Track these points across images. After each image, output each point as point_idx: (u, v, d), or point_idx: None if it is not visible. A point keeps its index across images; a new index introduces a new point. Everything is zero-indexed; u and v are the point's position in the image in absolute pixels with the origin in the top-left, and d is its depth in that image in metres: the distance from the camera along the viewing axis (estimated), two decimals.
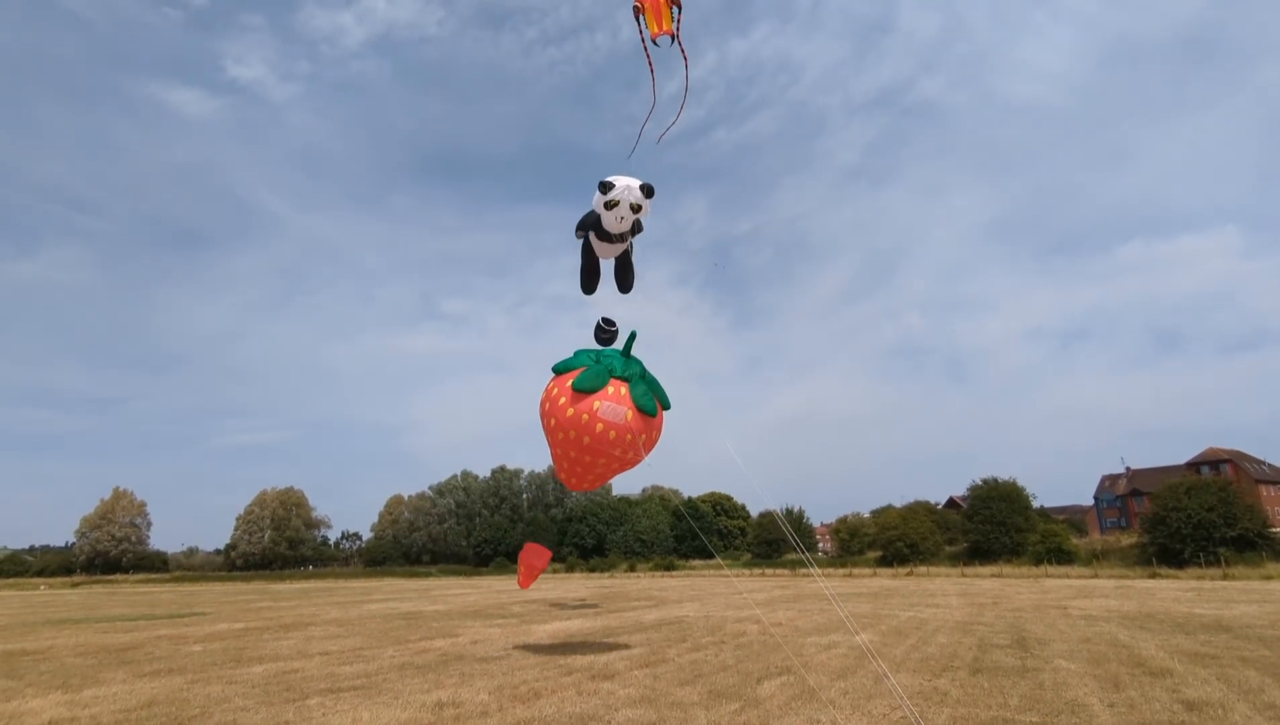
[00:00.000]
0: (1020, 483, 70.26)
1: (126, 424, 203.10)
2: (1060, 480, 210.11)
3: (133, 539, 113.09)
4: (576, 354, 12.04)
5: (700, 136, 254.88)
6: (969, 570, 60.19)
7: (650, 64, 10.14)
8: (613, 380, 11.33)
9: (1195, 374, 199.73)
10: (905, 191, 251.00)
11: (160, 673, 13.25)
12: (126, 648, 17.54)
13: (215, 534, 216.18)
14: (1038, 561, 59.12)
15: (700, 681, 11.07)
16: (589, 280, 11.64)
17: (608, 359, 11.62)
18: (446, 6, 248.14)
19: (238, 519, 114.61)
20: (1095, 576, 49.39)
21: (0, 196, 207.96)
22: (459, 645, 16.74)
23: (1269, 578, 43.13)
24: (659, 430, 11.87)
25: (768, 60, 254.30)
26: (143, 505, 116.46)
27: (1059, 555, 59.74)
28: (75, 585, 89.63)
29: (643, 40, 10.05)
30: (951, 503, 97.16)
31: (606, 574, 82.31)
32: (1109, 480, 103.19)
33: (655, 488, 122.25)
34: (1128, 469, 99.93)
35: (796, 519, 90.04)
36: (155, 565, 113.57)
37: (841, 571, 65.47)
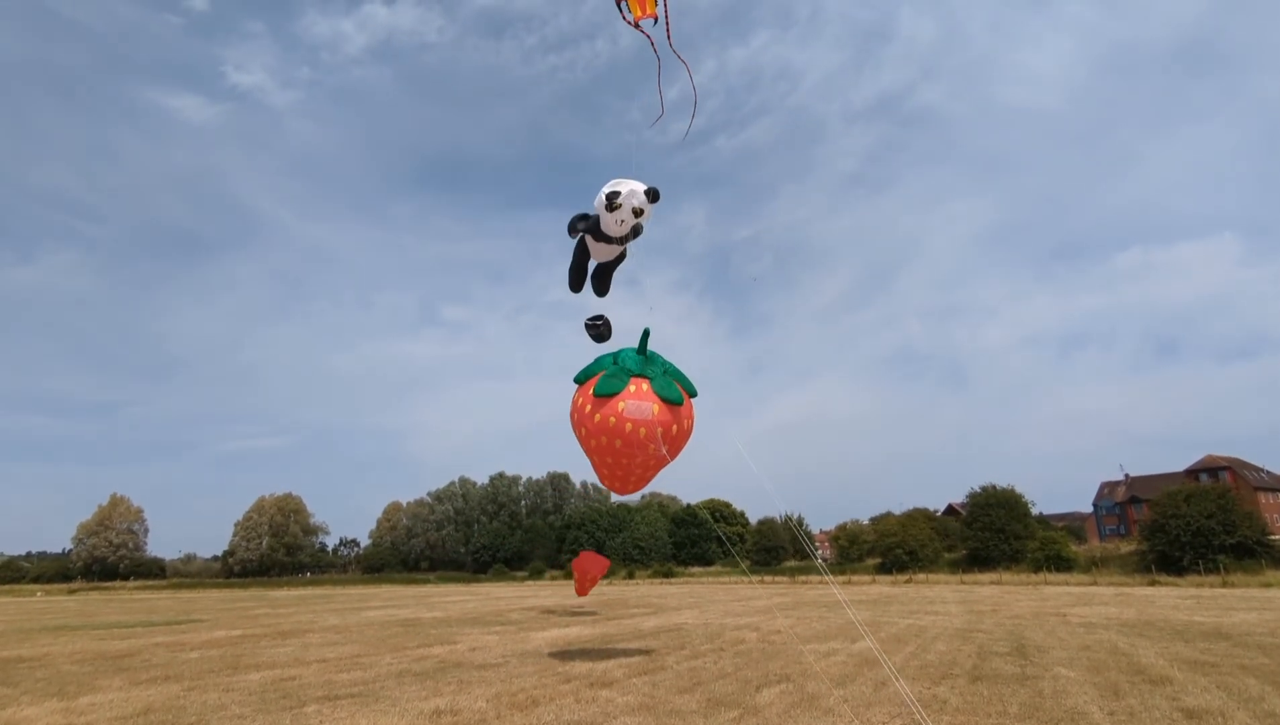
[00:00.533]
0: (1019, 490, 70.44)
1: (125, 430, 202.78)
2: (1059, 487, 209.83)
3: (130, 545, 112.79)
4: (595, 361, 12.06)
5: (700, 144, 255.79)
6: (968, 577, 60.09)
7: (649, 37, 10.08)
8: (633, 378, 11.33)
9: (1194, 381, 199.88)
10: (904, 199, 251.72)
11: (157, 680, 13.19)
12: (123, 655, 17.47)
13: (213, 541, 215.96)
14: (1037, 569, 59.06)
15: (699, 689, 11.04)
16: (577, 278, 11.65)
17: (625, 360, 11.62)
18: (447, 14, 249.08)
19: (236, 525, 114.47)
20: (1094, 584, 49.32)
21: (1, 202, 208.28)
22: (457, 652, 16.68)
23: (1268, 585, 43.08)
24: (690, 418, 11.86)
25: (767, 67, 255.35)
26: (140, 512, 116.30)
27: (1058, 562, 59.69)
28: (72, 592, 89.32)
29: (624, 18, 10.03)
30: (950, 510, 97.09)
31: (605, 581, 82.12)
32: (1108, 487, 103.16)
33: (653, 494, 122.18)
34: (1126, 476, 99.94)
35: (796, 526, 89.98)
36: (153, 572, 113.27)
37: (841, 579, 65.33)
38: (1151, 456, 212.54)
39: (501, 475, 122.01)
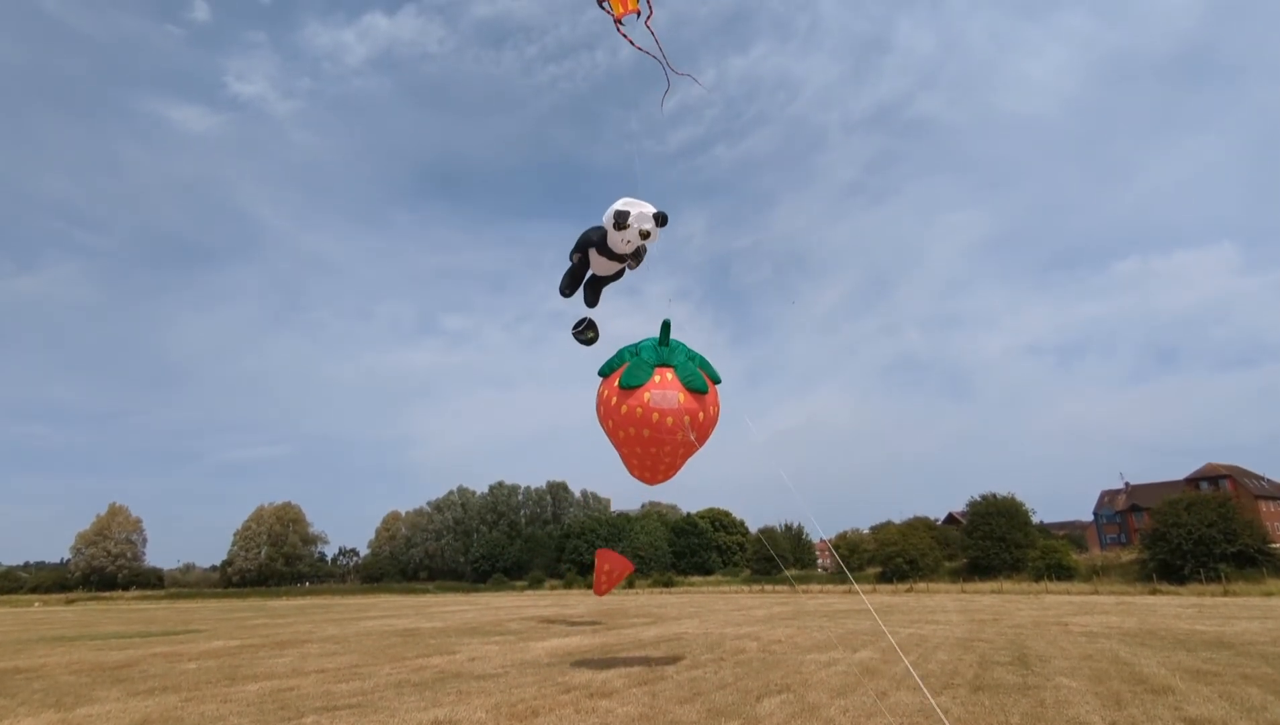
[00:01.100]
0: (1019, 498, 70.22)
1: (124, 439, 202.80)
2: (1059, 496, 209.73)
3: (129, 555, 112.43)
4: (617, 353, 12.08)
5: (700, 153, 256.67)
6: (969, 586, 59.94)
7: (626, 37, 10.21)
8: (657, 369, 11.35)
9: (1194, 389, 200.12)
10: (903, 207, 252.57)
11: (154, 691, 13.13)
12: (121, 665, 17.39)
13: (212, 550, 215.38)
14: (1038, 578, 58.89)
15: (699, 699, 10.99)
16: (570, 283, 11.76)
17: (647, 351, 11.63)
18: (448, 25, 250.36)
19: (235, 535, 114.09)
20: (1095, 593, 49.18)
21: (3, 212, 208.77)
22: (456, 663, 16.61)
23: (1270, 594, 42.97)
24: (715, 404, 11.85)
25: (766, 77, 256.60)
26: (139, 522, 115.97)
27: (1059, 571, 59.53)
28: (70, 602, 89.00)
29: (606, 13, 10.13)
30: (951, 518, 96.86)
31: None
32: (1108, 496, 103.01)
33: (653, 504, 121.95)
34: (1127, 484, 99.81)
35: (796, 535, 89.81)
36: (151, 582, 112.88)
37: (841, 588, 65.15)
38: (1152, 465, 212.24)
39: (501, 484, 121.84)
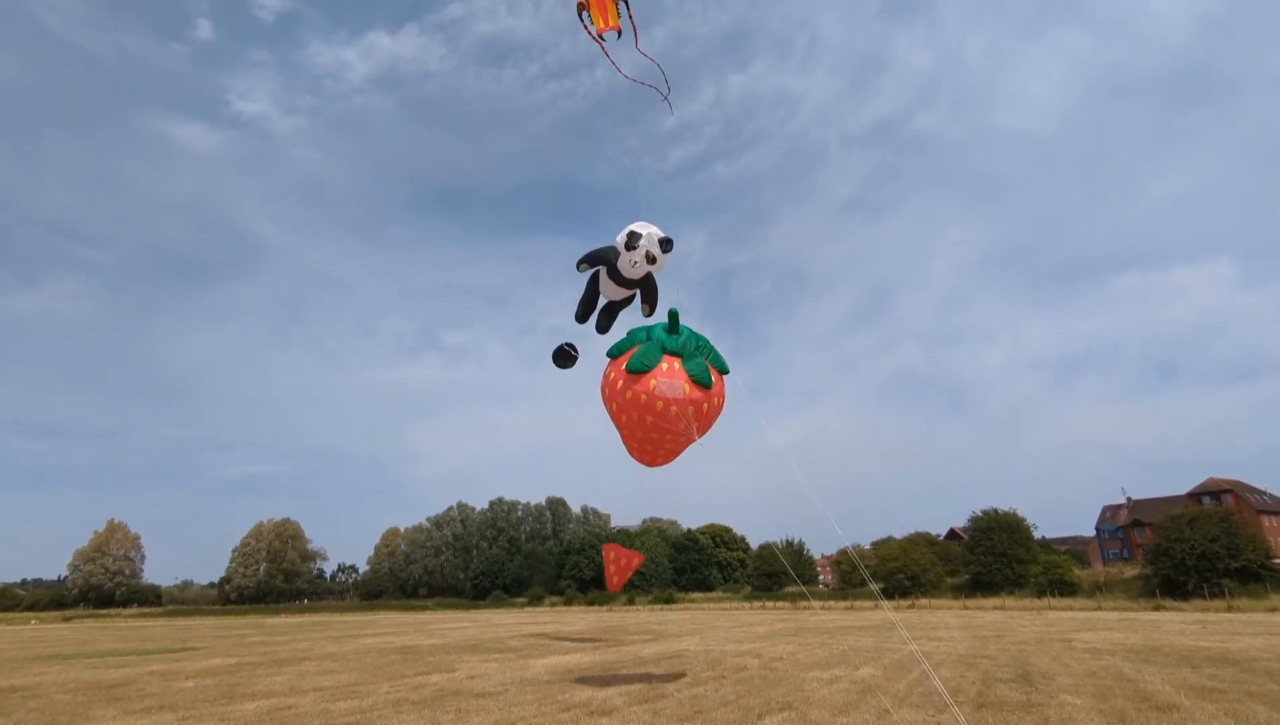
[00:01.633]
0: (1021, 513, 70.02)
1: (123, 455, 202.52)
2: (1061, 511, 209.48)
3: (126, 572, 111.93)
4: (628, 335, 12.04)
5: (699, 170, 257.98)
6: (971, 602, 59.59)
7: (606, 52, 10.39)
8: (665, 356, 11.29)
9: (1194, 404, 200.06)
10: (902, 223, 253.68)
11: (151, 710, 13.02)
12: (117, 684, 17.26)
13: (210, 567, 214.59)
14: (1040, 593, 58.58)
15: (700, 718, 10.89)
16: (585, 311, 11.87)
17: (658, 336, 11.58)
18: (449, 43, 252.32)
19: (233, 551, 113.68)
20: (1099, 609, 48.89)
21: (5, 228, 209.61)
22: (455, 680, 16.49)
23: (1274, 610, 42.70)
24: (721, 397, 11.80)
25: (765, 95, 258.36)
26: (137, 538, 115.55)
27: (1061, 587, 59.22)
28: (67, 619, 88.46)
29: (587, 30, 10.29)
30: (952, 534, 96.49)
31: (605, 607, 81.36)
32: (1110, 511, 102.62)
33: (653, 520, 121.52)
34: (1129, 499, 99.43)
35: (797, 551, 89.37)
36: (149, 599, 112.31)
37: (843, 604, 64.77)
38: (1153, 479, 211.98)
39: (500, 500, 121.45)
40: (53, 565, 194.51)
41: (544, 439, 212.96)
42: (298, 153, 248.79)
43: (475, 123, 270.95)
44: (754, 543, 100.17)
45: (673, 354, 11.30)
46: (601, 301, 11.90)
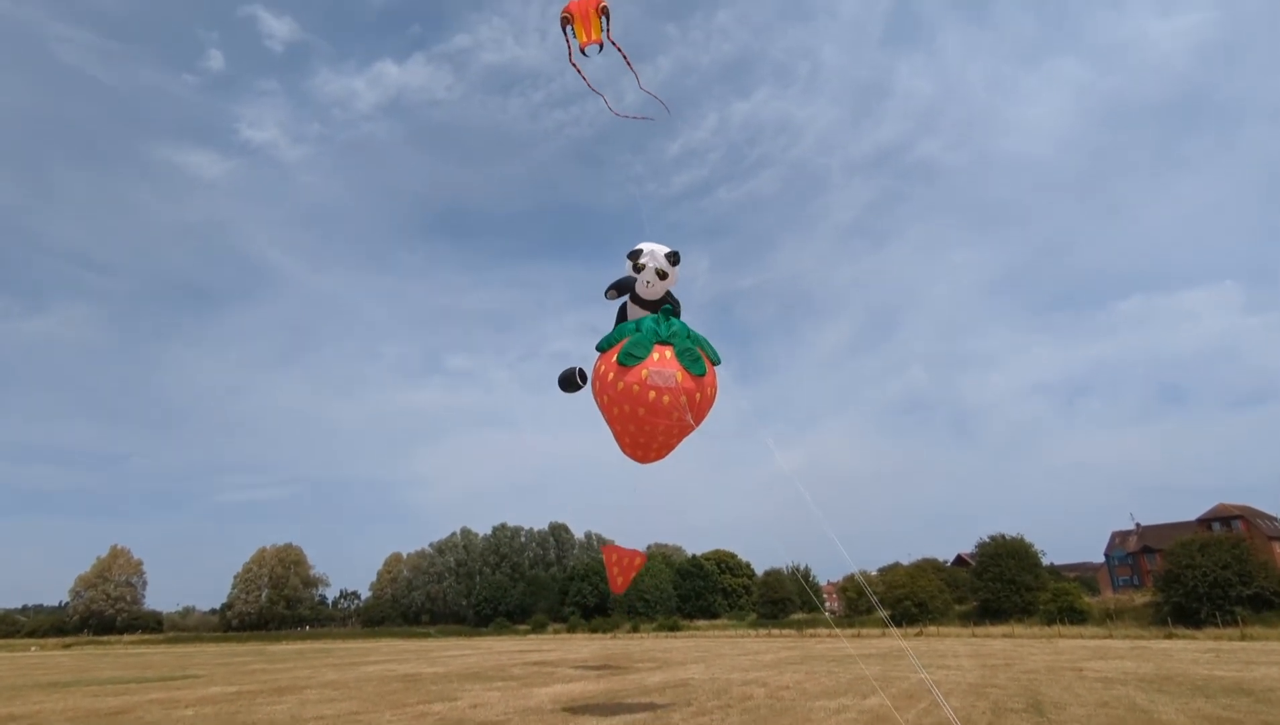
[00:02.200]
0: (1028, 539, 69.21)
1: (127, 480, 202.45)
2: (1069, 537, 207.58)
3: (128, 599, 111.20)
4: (617, 328, 11.93)
5: (703, 195, 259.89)
6: (979, 630, 58.83)
7: (579, 70, 10.63)
8: (656, 346, 11.17)
9: (1202, 428, 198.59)
10: (905, 248, 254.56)
11: None
12: (116, 712, 17.08)
13: (212, 593, 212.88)
14: (1050, 621, 57.79)
15: None
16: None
17: (648, 327, 11.47)
18: (456, 72, 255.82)
19: (235, 577, 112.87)
20: (1109, 637, 48.22)
21: (16, 255, 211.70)
22: (458, 709, 16.28)
23: None
24: (713, 386, 11.67)
25: (768, 122, 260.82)
26: (139, 564, 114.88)
27: (1071, 614, 58.41)
28: (67, 646, 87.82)
29: (569, 50, 10.51)
30: (960, 560, 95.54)
31: (609, 634, 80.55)
32: (1119, 537, 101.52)
33: (658, 546, 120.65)
34: (1138, 525, 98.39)
35: (803, 577, 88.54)
36: (150, 625, 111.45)
37: (850, 631, 64.01)
38: (1162, 505, 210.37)
39: (503, 526, 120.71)
40: (54, 591, 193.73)
41: (547, 464, 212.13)
42: (305, 180, 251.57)
43: (481, 150, 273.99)
44: (759, 569, 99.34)
45: (664, 343, 11.19)
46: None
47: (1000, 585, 65.28)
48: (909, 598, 69.33)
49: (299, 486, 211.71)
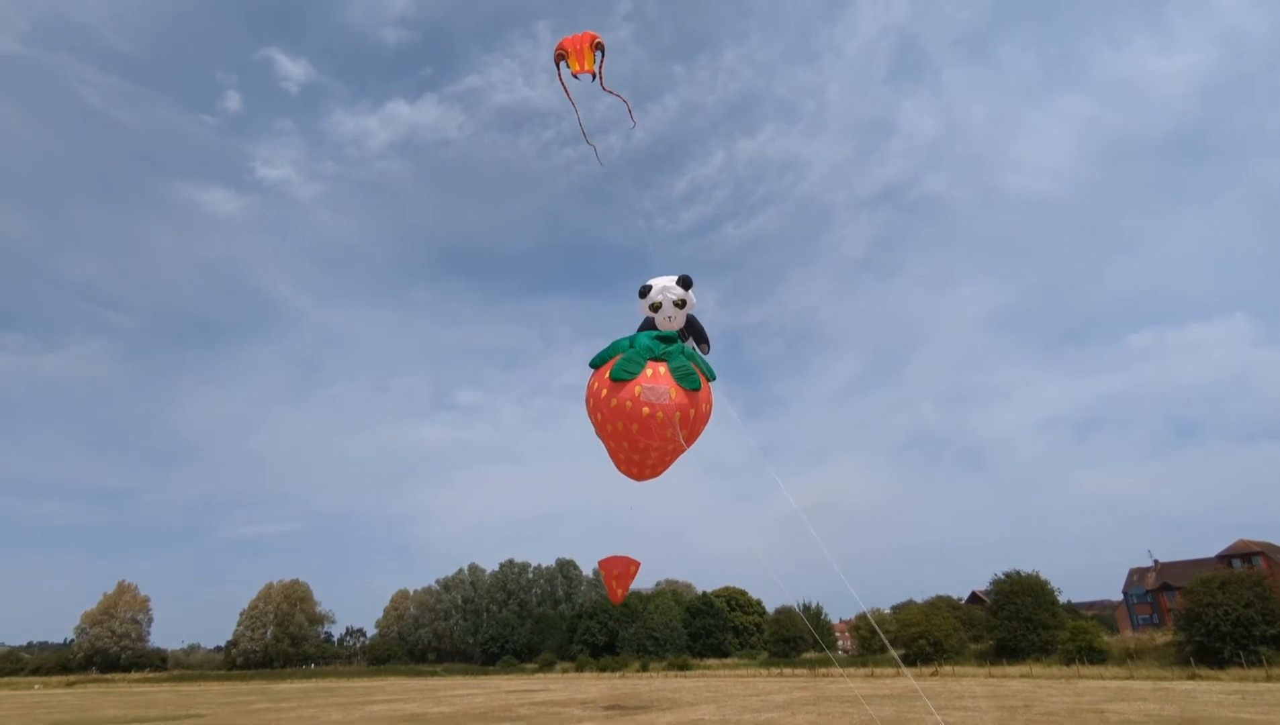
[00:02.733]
0: (1044, 576, 67.96)
1: (135, 516, 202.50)
2: (1085, 574, 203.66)
3: (133, 636, 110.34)
4: (611, 344, 11.79)
5: (710, 230, 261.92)
6: (996, 670, 57.55)
7: (573, 102, 10.80)
8: (649, 362, 10.97)
9: (1218, 463, 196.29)
10: (912, 283, 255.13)
11: None
12: None
13: (217, 629, 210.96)
14: (1069, 661, 56.48)
15: None
16: None
17: (642, 343, 11.31)
18: (467, 111, 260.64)
19: (241, 614, 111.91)
20: (1131, 677, 47.07)
21: (34, 292, 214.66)
22: None
23: None
24: (708, 402, 11.46)
25: (774, 159, 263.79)
26: (146, 600, 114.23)
27: (1091, 654, 57.10)
28: (71, 684, 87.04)
29: (563, 84, 10.71)
30: (974, 598, 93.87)
31: (618, 674, 79.23)
32: (1137, 574, 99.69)
33: (668, 582, 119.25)
34: (1156, 562, 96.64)
35: (815, 615, 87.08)
36: (154, 663, 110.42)
37: (863, 671, 62.75)
38: (1180, 541, 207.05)
39: (511, 562, 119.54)
40: (59, 628, 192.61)
41: (555, 499, 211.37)
42: (318, 217, 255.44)
43: (491, 187, 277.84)
44: (770, 606, 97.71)
45: (657, 360, 11.02)
46: None
47: (1017, 624, 64.00)
48: (923, 636, 67.99)
49: (307, 522, 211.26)
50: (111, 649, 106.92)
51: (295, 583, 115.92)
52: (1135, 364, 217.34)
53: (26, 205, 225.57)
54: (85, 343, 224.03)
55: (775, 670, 71.47)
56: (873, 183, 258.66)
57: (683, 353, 11.44)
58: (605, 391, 11.07)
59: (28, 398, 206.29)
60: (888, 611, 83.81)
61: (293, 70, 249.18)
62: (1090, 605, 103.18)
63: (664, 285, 10.86)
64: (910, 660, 66.54)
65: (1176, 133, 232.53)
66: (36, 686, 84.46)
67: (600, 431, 11.49)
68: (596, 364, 11.70)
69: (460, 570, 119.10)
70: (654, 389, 10.80)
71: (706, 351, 11.89)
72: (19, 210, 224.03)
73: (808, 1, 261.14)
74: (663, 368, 11.02)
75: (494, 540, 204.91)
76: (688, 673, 76.25)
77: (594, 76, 11.20)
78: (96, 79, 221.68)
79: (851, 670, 64.83)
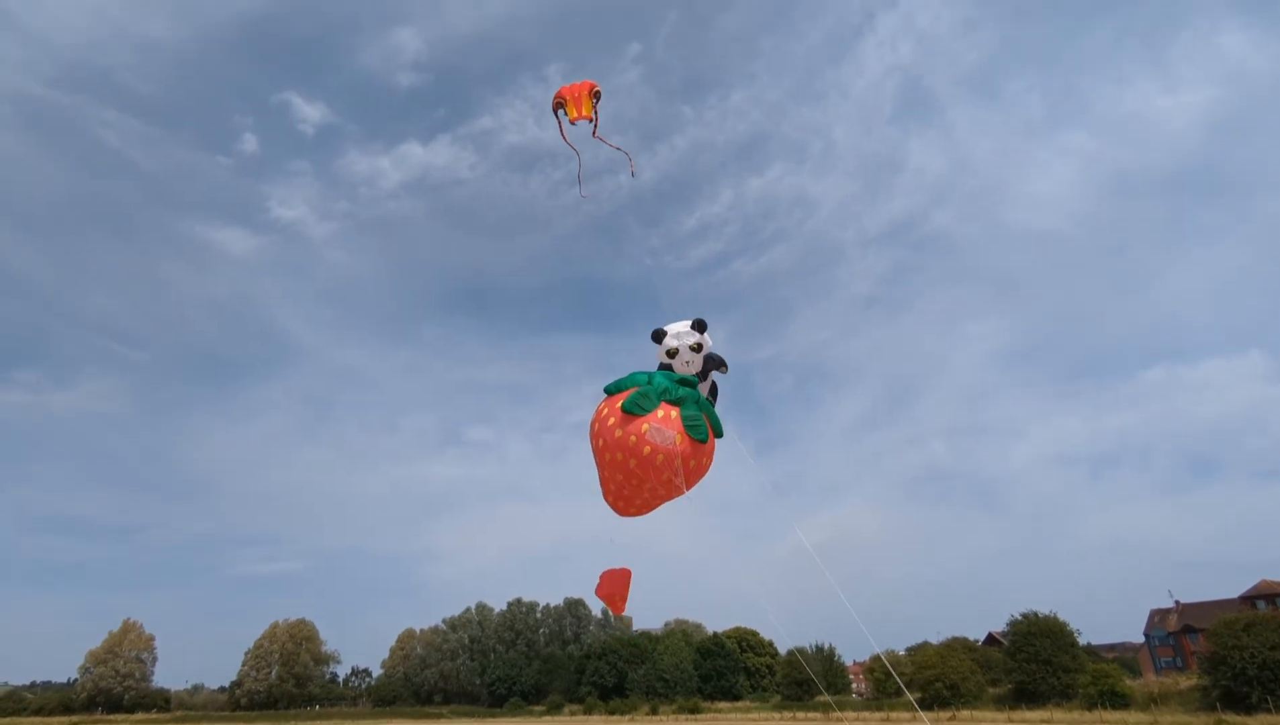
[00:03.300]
0: (1062, 618, 66.36)
1: (144, 553, 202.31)
2: (1105, 615, 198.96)
3: (137, 675, 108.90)
4: (629, 375, 11.72)
5: (719, 267, 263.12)
6: (1015, 714, 55.99)
7: (574, 148, 11.02)
8: (663, 403, 10.89)
9: (1237, 501, 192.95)
10: (921, 319, 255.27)
11: None
12: None
13: (223, 668, 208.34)
14: (1090, 705, 54.91)
15: None
16: None
17: (659, 382, 11.21)
18: (479, 152, 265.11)
19: (246, 654, 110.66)
20: (1155, 723, 45.68)
21: (50, 329, 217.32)
22: None
23: None
24: (710, 457, 11.32)
25: (783, 196, 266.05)
26: (151, 639, 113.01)
27: (1113, 699, 55.48)
28: None
29: (562, 133, 10.92)
30: (991, 639, 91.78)
31: (627, 717, 77.57)
32: (1158, 615, 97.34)
33: (679, 621, 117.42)
34: (1177, 603, 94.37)
35: (828, 657, 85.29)
36: (158, 704, 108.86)
37: (878, 715, 61.17)
38: (1201, 581, 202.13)
39: (519, 602, 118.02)
40: (64, 666, 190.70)
41: (564, 537, 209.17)
42: (331, 255, 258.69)
43: (502, 225, 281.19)
44: (782, 647, 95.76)
45: (671, 403, 10.95)
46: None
47: (1036, 666, 62.31)
48: (940, 679, 66.32)
49: (314, 559, 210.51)
50: (115, 689, 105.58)
51: (301, 622, 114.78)
52: (1149, 400, 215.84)
53: (44, 243, 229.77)
54: (99, 379, 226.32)
55: (788, 714, 69.84)
56: (881, 219, 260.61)
57: (697, 403, 11.39)
58: (613, 420, 11.03)
59: (41, 433, 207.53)
60: (902, 653, 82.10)
61: (309, 113, 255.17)
62: (1111, 647, 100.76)
63: (679, 331, 10.91)
64: (927, 704, 64.79)
65: (1183, 169, 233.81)
66: None
67: (597, 457, 11.39)
68: (611, 391, 11.64)
69: (468, 609, 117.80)
70: (661, 431, 10.77)
71: (725, 371, 11.78)
72: (37, 248, 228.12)
73: (814, 43, 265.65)
74: (675, 412, 11.02)
75: (502, 578, 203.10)
76: (699, 716, 74.56)
77: (591, 123, 11.50)
78: (116, 121, 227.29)
79: (866, 714, 63.20)
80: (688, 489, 11.00)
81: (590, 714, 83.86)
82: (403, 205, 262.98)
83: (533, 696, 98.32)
